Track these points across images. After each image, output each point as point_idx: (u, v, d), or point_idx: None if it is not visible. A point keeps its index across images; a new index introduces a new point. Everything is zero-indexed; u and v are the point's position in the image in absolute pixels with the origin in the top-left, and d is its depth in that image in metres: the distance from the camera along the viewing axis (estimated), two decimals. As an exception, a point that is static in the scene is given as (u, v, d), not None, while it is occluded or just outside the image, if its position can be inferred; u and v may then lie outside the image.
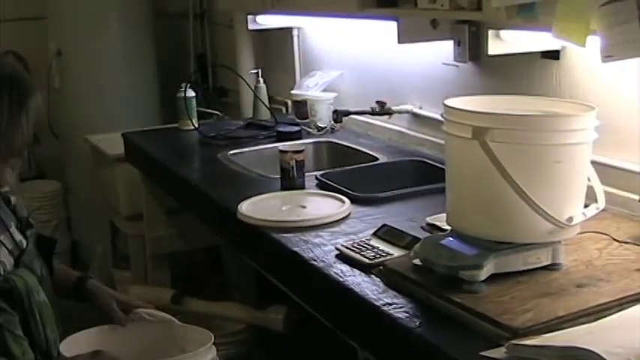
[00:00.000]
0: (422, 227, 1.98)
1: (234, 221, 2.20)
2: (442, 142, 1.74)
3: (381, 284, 1.68)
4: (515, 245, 1.60)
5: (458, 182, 1.67)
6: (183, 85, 3.36)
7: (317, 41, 3.51)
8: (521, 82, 2.31)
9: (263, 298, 2.89)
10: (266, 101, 3.51)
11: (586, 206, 1.64)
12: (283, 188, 2.41)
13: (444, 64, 2.62)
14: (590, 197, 1.66)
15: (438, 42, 2.45)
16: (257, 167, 2.73)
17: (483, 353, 1.35)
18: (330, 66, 3.35)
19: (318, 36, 3.49)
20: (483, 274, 1.55)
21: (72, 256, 4.50)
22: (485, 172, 1.54)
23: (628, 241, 1.79)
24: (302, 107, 3.25)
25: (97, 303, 1.87)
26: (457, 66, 2.55)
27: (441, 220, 1.88)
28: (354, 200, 2.22)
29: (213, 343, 1.70)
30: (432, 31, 2.38)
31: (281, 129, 3.15)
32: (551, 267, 1.63)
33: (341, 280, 1.73)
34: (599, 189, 1.68)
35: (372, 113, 2.92)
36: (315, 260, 1.85)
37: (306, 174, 2.45)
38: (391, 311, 1.56)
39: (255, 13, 3.41)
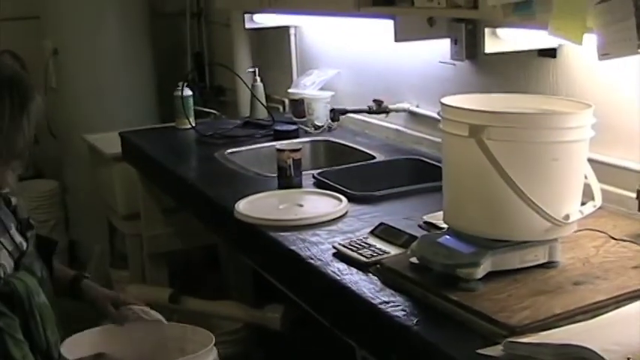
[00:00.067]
0: (419, 225, 1.98)
1: (232, 220, 2.20)
2: (439, 140, 1.73)
3: (379, 283, 1.68)
4: (512, 243, 1.60)
5: (455, 180, 1.67)
6: (181, 84, 3.36)
7: (314, 40, 3.51)
8: (518, 80, 2.31)
9: (260, 296, 2.89)
10: (263, 100, 3.51)
11: (583, 204, 1.64)
12: (280, 187, 2.41)
13: (441, 62, 2.62)
14: (587, 195, 1.66)
15: (434, 40, 2.46)
16: (254, 166, 2.73)
17: (480, 351, 1.35)
18: (327, 64, 3.35)
19: (315, 35, 3.48)
20: (480, 272, 1.55)
21: (70, 256, 4.50)
22: (482, 170, 1.54)
23: (625, 238, 1.79)
24: (299, 106, 3.24)
25: (92, 302, 1.87)
26: (454, 64, 2.55)
27: (438, 218, 1.88)
28: (351, 199, 2.22)
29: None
30: (428, 29, 2.38)
31: (278, 128, 3.15)
32: (548, 265, 1.63)
33: (338, 278, 1.73)
34: (596, 187, 1.68)
35: (369, 112, 2.92)
36: (312, 259, 1.85)
37: (304, 172, 2.45)
38: (388, 309, 1.56)
39: (252, 12, 3.41)
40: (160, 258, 3.47)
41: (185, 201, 2.82)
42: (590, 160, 1.65)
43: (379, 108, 2.89)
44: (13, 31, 4.48)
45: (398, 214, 2.09)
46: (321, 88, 3.25)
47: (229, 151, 2.92)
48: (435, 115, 2.18)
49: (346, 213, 2.14)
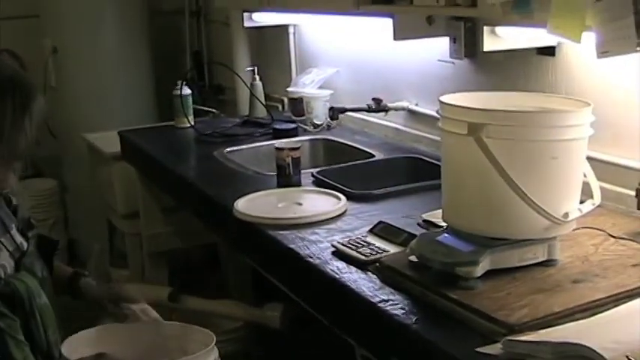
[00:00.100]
0: (418, 224, 1.98)
1: (231, 219, 2.20)
2: (438, 138, 1.73)
3: (378, 281, 1.68)
4: (511, 241, 1.60)
5: (454, 179, 1.67)
6: (180, 82, 3.36)
7: (313, 38, 3.51)
8: (517, 78, 2.31)
9: (260, 295, 2.88)
10: (262, 99, 3.51)
11: (582, 202, 1.64)
12: (279, 185, 2.41)
13: (440, 60, 2.62)
14: (586, 193, 1.66)
15: (433, 39, 2.46)
16: (253, 165, 2.73)
17: (479, 349, 1.35)
18: (326, 63, 3.35)
19: (314, 33, 3.48)
20: (479, 270, 1.55)
21: (69, 255, 4.50)
22: (481, 168, 1.54)
23: (624, 236, 1.79)
24: (298, 104, 3.24)
25: (91, 300, 1.87)
26: (453, 63, 2.55)
27: (436, 216, 1.88)
28: (350, 197, 2.22)
29: (213, 343, 1.70)
30: (427, 27, 2.38)
31: (277, 126, 3.15)
32: (547, 263, 1.63)
33: (337, 277, 1.73)
34: (595, 185, 1.68)
35: (368, 110, 2.92)
36: (311, 257, 1.85)
37: (302, 171, 2.45)
38: (387, 308, 1.56)
39: (251, 11, 3.41)
40: (159, 257, 3.48)
41: (184, 200, 2.82)
42: (589, 159, 1.65)
43: (378, 106, 2.90)
44: (13, 30, 4.48)
45: (397, 212, 2.09)
46: (320, 87, 3.25)
47: (228, 149, 2.92)
48: (434, 114, 2.17)
49: (345, 211, 2.14)
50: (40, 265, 1.76)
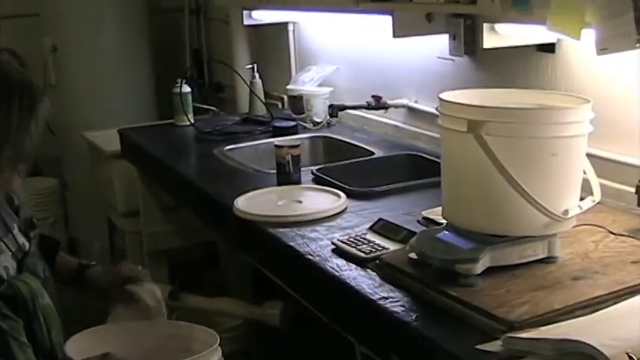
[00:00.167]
0: (418, 221, 1.98)
1: (231, 217, 2.20)
2: (438, 136, 1.73)
3: (377, 278, 1.68)
4: (511, 238, 1.60)
5: (453, 176, 1.67)
6: (179, 80, 3.36)
7: (312, 36, 3.50)
8: (517, 75, 2.31)
9: (260, 293, 2.88)
10: (262, 96, 3.50)
11: (582, 199, 1.64)
12: (279, 183, 2.41)
13: (440, 57, 2.62)
14: (586, 190, 1.66)
15: (433, 36, 2.45)
16: (253, 162, 2.73)
17: (479, 346, 1.35)
18: (325, 61, 3.35)
19: (314, 31, 3.48)
20: (479, 267, 1.55)
21: (69, 253, 4.44)
22: (481, 165, 1.54)
23: (624, 233, 1.79)
24: (298, 102, 3.24)
25: (98, 291, 1.87)
26: (452, 60, 2.55)
27: (436, 213, 1.88)
28: (350, 195, 2.22)
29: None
30: (427, 25, 2.37)
31: (277, 124, 3.15)
32: (547, 260, 1.63)
33: (337, 274, 1.73)
34: (595, 182, 1.68)
35: (368, 107, 2.92)
36: (311, 255, 1.85)
37: (302, 169, 2.45)
38: (387, 305, 1.56)
39: (251, 9, 3.40)
40: (159, 255, 3.47)
41: (184, 198, 2.82)
42: (589, 155, 1.65)
43: (378, 104, 2.89)
44: (13, 28, 4.48)
45: (397, 209, 2.09)
46: (320, 84, 3.24)
47: (228, 147, 2.92)
48: (434, 111, 2.17)
49: (345, 209, 2.14)
50: (42, 266, 1.75)
